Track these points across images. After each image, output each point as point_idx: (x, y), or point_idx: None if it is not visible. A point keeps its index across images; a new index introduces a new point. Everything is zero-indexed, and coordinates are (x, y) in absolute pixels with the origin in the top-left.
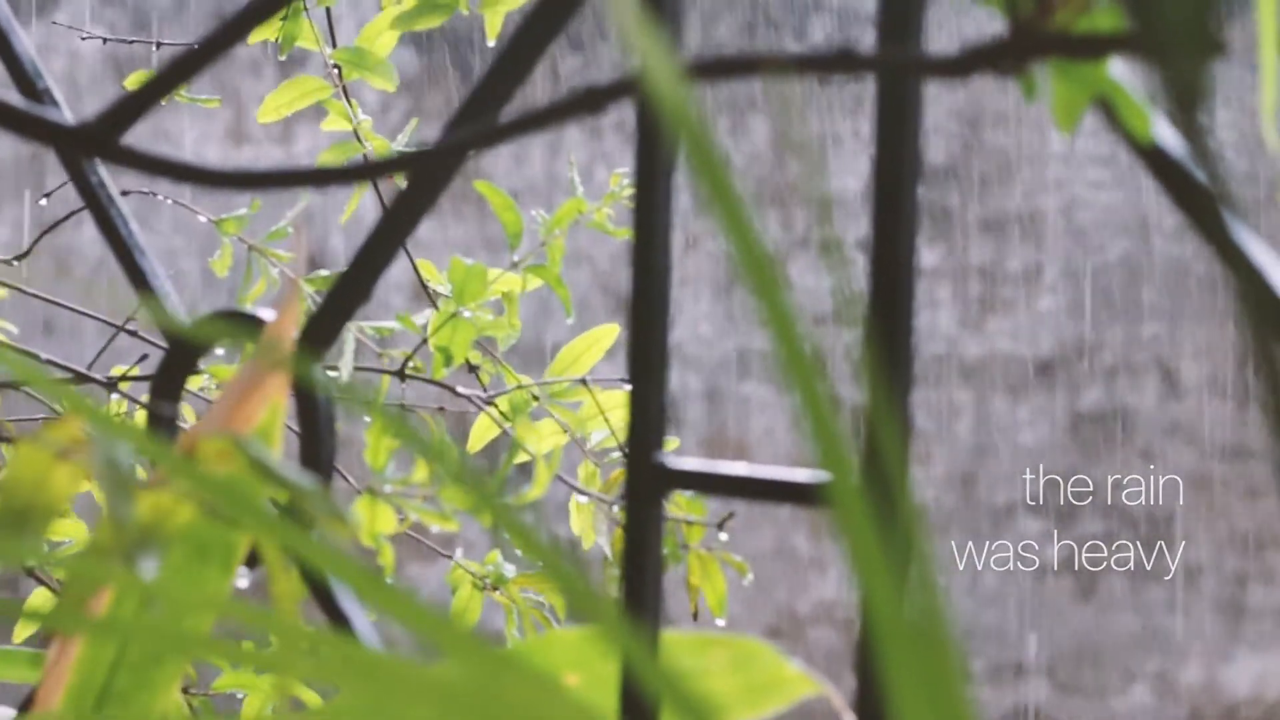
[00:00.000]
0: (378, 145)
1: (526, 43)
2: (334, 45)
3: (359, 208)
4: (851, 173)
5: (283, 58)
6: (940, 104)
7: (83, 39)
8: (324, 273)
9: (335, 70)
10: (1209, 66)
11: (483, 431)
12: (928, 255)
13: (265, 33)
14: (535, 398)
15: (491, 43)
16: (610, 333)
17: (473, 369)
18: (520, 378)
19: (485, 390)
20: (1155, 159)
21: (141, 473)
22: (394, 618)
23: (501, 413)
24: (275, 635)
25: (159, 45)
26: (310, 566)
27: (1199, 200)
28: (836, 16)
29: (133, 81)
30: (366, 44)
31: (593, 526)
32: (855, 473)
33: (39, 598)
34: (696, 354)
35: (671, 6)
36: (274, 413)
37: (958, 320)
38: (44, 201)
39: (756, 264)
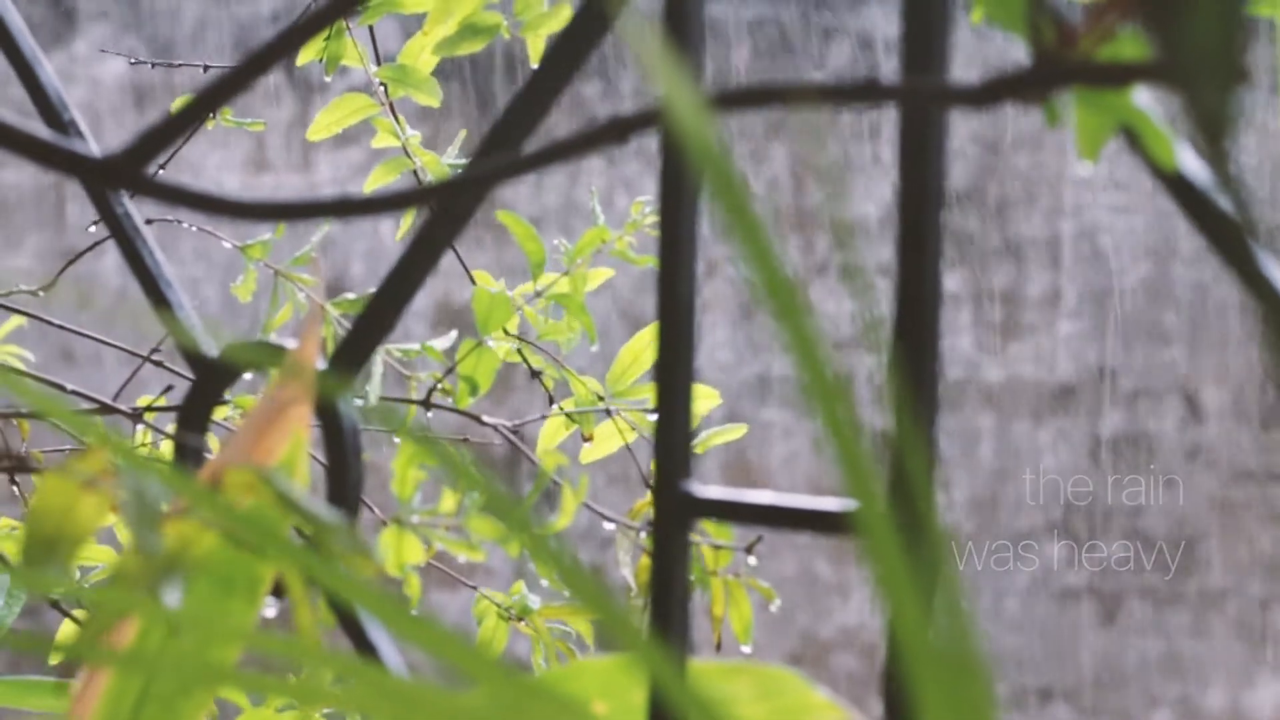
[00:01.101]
0: (427, 161)
1: (550, 73)
2: (378, 63)
3: (378, 237)
4: (871, 198)
5: (328, 78)
6: (961, 128)
7: (131, 63)
8: (350, 296)
9: (381, 88)
10: (1234, 95)
11: (553, 432)
12: (948, 280)
13: (310, 53)
14: (601, 398)
15: (534, 66)
16: None
17: (535, 375)
18: (585, 380)
19: (550, 393)
20: (1179, 186)
21: (165, 505)
22: (422, 646)
23: (568, 415)
24: (303, 662)
25: (206, 68)
26: (337, 596)
27: (1223, 227)
28: (856, 42)
29: (178, 106)
30: (409, 61)
31: (625, 554)
32: (882, 499)
33: (66, 630)
34: (716, 380)
35: (690, 34)
36: (297, 443)
37: (978, 345)
38: (93, 228)
39: (779, 290)
